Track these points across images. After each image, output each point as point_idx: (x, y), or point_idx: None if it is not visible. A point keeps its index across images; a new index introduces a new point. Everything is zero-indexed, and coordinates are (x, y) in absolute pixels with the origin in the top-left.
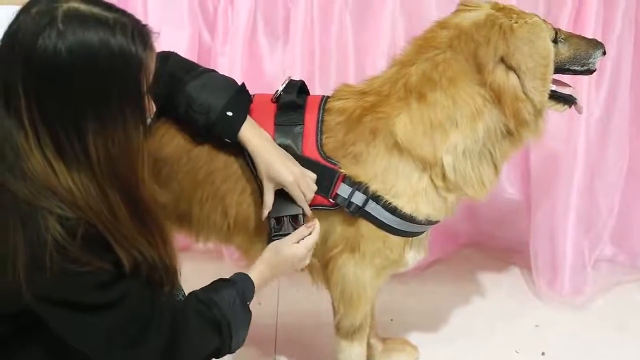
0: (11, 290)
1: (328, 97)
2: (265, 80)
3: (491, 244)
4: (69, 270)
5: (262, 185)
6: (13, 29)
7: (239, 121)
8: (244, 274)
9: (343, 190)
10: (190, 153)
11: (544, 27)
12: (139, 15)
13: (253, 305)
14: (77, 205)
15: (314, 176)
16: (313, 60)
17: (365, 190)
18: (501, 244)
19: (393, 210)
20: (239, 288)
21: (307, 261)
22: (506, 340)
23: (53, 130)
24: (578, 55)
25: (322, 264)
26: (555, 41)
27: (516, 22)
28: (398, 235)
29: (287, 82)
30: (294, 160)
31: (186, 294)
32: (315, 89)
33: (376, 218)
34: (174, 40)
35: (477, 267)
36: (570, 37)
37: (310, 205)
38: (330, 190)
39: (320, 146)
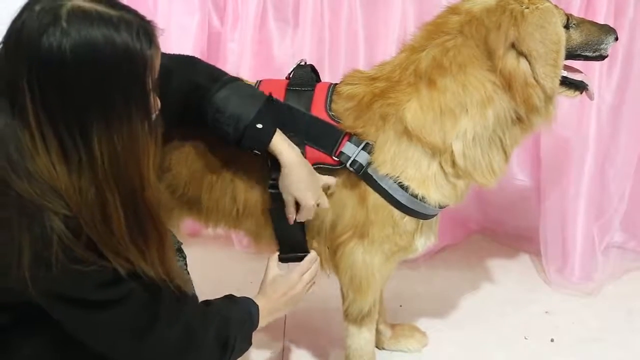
0: (15, 284)
1: (335, 84)
2: (275, 65)
3: (501, 231)
4: (74, 270)
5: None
6: (17, 27)
7: (269, 134)
8: (253, 301)
9: (348, 148)
10: (200, 137)
11: (556, 13)
12: (148, 1)
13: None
14: (71, 209)
15: (325, 203)
16: (323, 46)
17: (371, 150)
18: (511, 231)
19: (402, 187)
20: (251, 313)
21: (301, 288)
22: (515, 327)
23: (57, 130)
24: (590, 41)
25: (331, 250)
26: (566, 27)
27: (527, 8)
28: (406, 213)
29: (299, 63)
30: (317, 180)
31: (196, 293)
32: (325, 75)
33: (380, 186)
34: (183, 26)
35: (486, 253)
36: (582, 22)
37: (313, 164)
38: (334, 148)
39: (328, 108)
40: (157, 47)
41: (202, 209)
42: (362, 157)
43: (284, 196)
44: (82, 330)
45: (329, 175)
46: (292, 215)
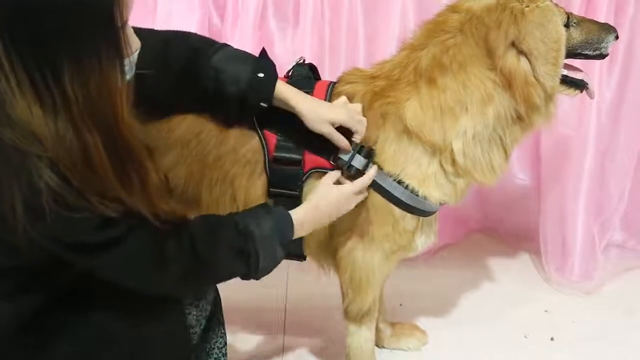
0: (16, 236)
1: (335, 83)
2: (275, 64)
3: (501, 229)
4: (68, 217)
5: (321, 133)
6: None
7: (272, 81)
8: (285, 210)
9: (344, 153)
10: (199, 137)
11: (556, 11)
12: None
13: (261, 289)
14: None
15: (358, 108)
16: (323, 45)
17: (366, 154)
18: (511, 229)
19: (402, 184)
20: (278, 222)
21: (354, 202)
22: (515, 325)
23: (30, 72)
24: (590, 40)
25: (331, 249)
26: (567, 25)
27: (527, 6)
28: (406, 210)
29: (298, 61)
30: (337, 103)
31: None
32: (325, 74)
33: (381, 186)
34: (184, 24)
35: (486, 252)
36: (582, 21)
37: (312, 167)
38: (332, 153)
39: None
40: None
41: (201, 207)
42: (358, 162)
43: (324, 129)
44: (94, 269)
45: None
46: (345, 144)
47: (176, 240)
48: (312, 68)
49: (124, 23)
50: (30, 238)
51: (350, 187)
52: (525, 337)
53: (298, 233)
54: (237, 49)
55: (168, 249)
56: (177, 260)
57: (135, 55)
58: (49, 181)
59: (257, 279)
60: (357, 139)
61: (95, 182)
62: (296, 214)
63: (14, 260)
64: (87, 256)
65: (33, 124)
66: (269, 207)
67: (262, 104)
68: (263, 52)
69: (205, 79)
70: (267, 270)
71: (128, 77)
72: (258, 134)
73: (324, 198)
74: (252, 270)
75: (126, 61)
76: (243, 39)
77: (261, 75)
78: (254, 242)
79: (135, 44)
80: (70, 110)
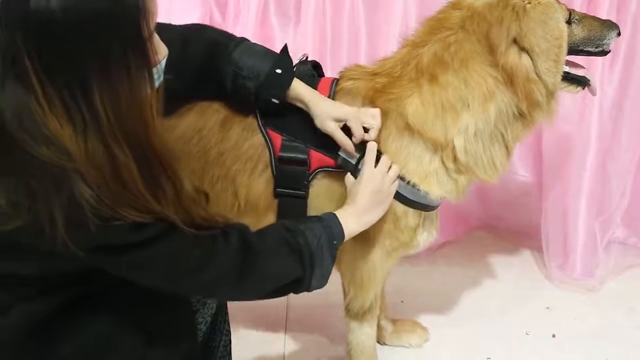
0: (54, 247)
1: (338, 79)
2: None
3: (502, 226)
4: (106, 226)
5: (326, 131)
6: None
7: (289, 78)
8: (332, 213)
9: (344, 151)
10: (200, 133)
11: (558, 8)
12: None
13: None
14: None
15: (377, 113)
16: (325, 42)
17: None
18: (513, 226)
19: (403, 179)
20: (326, 225)
21: (389, 183)
22: (517, 322)
23: (59, 90)
24: (592, 37)
25: None
26: (569, 22)
27: (529, 3)
28: (408, 205)
29: (302, 58)
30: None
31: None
32: (327, 71)
33: None
34: (185, 21)
35: (488, 249)
36: (584, 17)
37: (317, 167)
38: (334, 151)
39: None
40: None
41: None
42: (355, 159)
43: (328, 127)
44: (135, 274)
45: (330, 177)
46: (349, 142)
47: (224, 242)
48: (316, 65)
49: (151, 33)
50: (68, 248)
51: (375, 172)
52: (526, 333)
53: (346, 225)
54: (256, 44)
55: (212, 250)
56: (222, 260)
57: (163, 62)
58: (86, 195)
59: (313, 288)
60: (354, 140)
61: (127, 197)
62: (341, 215)
63: (44, 268)
64: (118, 257)
65: (65, 141)
66: (316, 215)
67: (273, 100)
68: (285, 48)
69: (224, 75)
70: (324, 275)
71: (157, 84)
72: (263, 134)
73: (355, 192)
74: (307, 270)
75: (154, 69)
76: (244, 36)
77: (279, 71)
78: (305, 239)
79: (162, 51)
80: (100, 126)
